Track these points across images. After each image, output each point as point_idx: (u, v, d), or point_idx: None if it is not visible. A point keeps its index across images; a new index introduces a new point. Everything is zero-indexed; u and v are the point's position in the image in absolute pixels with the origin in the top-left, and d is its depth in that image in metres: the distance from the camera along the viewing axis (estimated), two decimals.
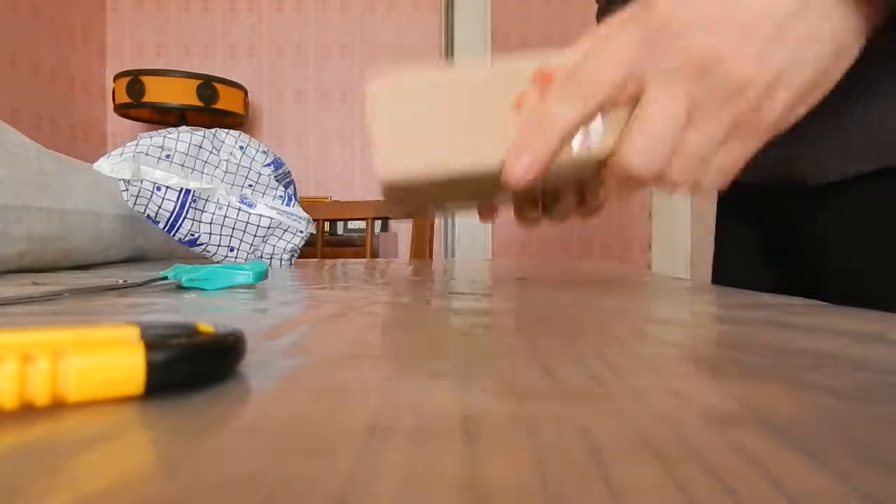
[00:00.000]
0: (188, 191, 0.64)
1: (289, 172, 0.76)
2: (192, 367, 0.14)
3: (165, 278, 0.39)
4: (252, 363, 0.17)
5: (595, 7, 0.57)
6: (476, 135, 0.34)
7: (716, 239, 0.58)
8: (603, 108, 0.30)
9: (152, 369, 0.13)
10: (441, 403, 0.13)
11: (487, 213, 0.42)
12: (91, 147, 2.29)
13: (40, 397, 0.12)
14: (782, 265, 0.50)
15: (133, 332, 0.14)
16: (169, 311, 0.28)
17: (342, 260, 0.99)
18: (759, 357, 0.18)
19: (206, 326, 0.15)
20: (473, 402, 0.13)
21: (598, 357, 0.18)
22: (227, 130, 0.70)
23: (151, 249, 0.81)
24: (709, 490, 0.09)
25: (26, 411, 0.12)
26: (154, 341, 0.13)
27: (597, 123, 0.32)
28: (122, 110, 2.02)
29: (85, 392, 0.12)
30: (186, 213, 0.64)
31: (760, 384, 0.15)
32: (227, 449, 0.10)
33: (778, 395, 0.14)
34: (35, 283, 0.43)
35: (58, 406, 0.12)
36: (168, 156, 0.63)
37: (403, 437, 0.11)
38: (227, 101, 2.02)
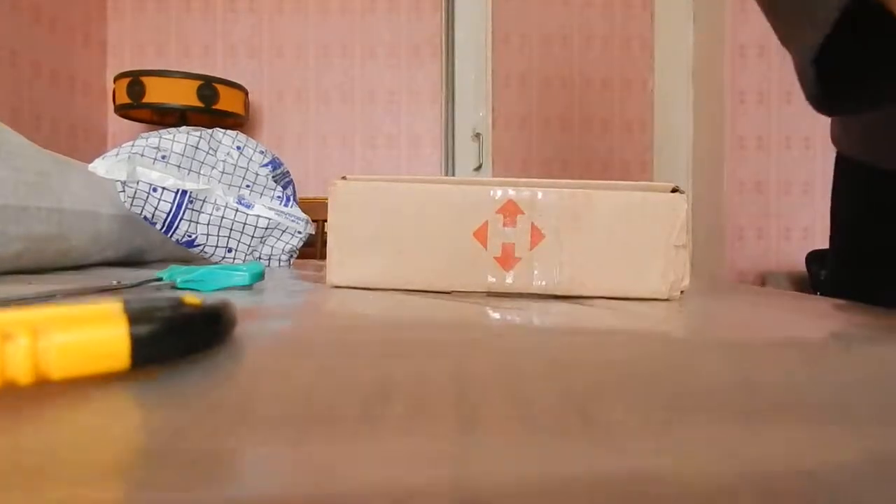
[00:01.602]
0: (185, 192, 0.64)
1: (287, 172, 0.76)
2: (178, 339, 0.13)
3: (160, 279, 0.39)
4: (247, 361, 0.17)
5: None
6: (424, 252, 0.37)
7: (846, 205, 0.58)
8: None
9: (137, 343, 0.13)
10: (436, 394, 0.13)
11: None
12: (91, 147, 2.29)
13: (23, 375, 0.12)
14: None
15: (116, 307, 0.14)
16: None
17: None
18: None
19: (192, 299, 0.15)
20: (466, 387, 0.13)
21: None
22: (224, 130, 0.70)
23: (150, 250, 0.81)
24: None
25: (9, 390, 0.12)
26: (138, 315, 0.13)
27: None
28: (123, 111, 2.02)
29: (69, 368, 0.12)
30: (183, 214, 0.64)
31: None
32: (215, 429, 0.10)
33: None
34: (28, 284, 0.43)
35: (42, 383, 0.12)
36: (164, 156, 0.63)
37: (395, 425, 0.11)
38: (227, 101, 2.02)
